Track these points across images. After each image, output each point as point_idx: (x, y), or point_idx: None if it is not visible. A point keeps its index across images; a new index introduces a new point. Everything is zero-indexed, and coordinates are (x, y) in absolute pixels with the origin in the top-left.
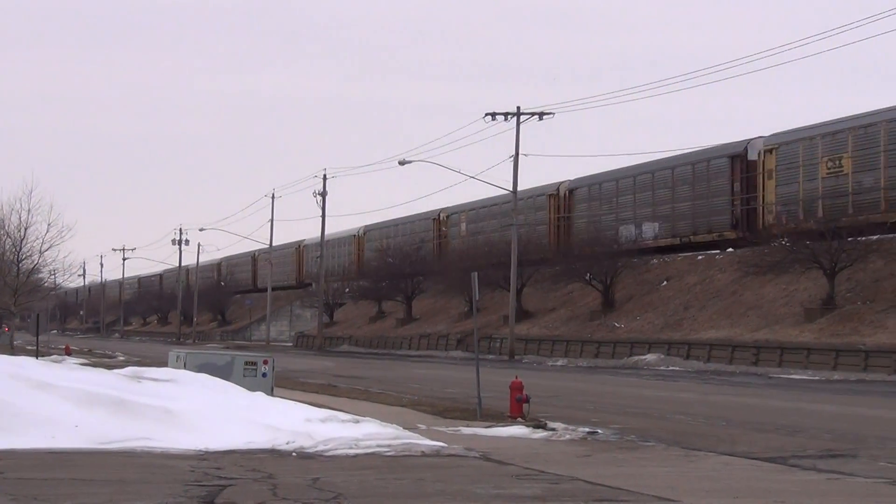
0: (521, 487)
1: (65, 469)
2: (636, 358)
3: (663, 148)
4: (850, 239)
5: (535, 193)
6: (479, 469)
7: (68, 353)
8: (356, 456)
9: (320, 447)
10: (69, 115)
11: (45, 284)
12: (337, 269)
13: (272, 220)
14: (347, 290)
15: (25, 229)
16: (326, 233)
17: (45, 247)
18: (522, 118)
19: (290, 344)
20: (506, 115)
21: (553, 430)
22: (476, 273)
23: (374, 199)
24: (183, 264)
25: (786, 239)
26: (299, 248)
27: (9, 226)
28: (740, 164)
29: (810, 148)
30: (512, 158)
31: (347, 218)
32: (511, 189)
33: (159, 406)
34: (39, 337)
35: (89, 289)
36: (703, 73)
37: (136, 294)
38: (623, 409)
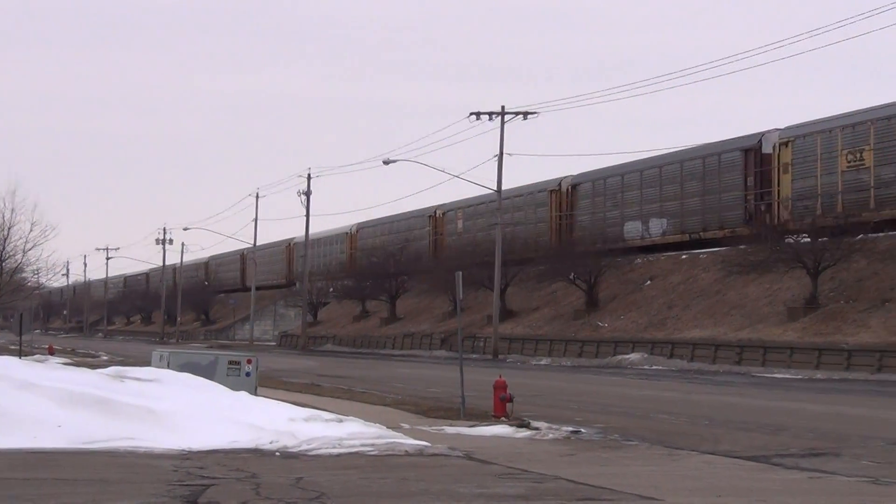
0: (504, 486)
1: (47, 469)
2: (620, 357)
3: (654, 147)
4: (833, 238)
5: (536, 189)
6: (462, 468)
7: (51, 352)
8: (340, 455)
9: (304, 446)
10: (53, 114)
11: (29, 284)
12: (329, 268)
13: (256, 220)
14: (332, 289)
15: (9, 229)
16: (318, 231)
17: (28, 246)
18: (507, 118)
19: (274, 343)
20: (490, 114)
21: (536, 429)
22: (460, 273)
23: (365, 197)
24: (171, 263)
25: (799, 236)
26: (289, 247)
27: None
28: (754, 157)
29: (829, 140)
30: (498, 157)
31: (339, 216)
32: (495, 188)
33: (142, 406)
34: (23, 336)
35: (74, 288)
36: (693, 71)
37: (121, 293)
38: (606, 409)
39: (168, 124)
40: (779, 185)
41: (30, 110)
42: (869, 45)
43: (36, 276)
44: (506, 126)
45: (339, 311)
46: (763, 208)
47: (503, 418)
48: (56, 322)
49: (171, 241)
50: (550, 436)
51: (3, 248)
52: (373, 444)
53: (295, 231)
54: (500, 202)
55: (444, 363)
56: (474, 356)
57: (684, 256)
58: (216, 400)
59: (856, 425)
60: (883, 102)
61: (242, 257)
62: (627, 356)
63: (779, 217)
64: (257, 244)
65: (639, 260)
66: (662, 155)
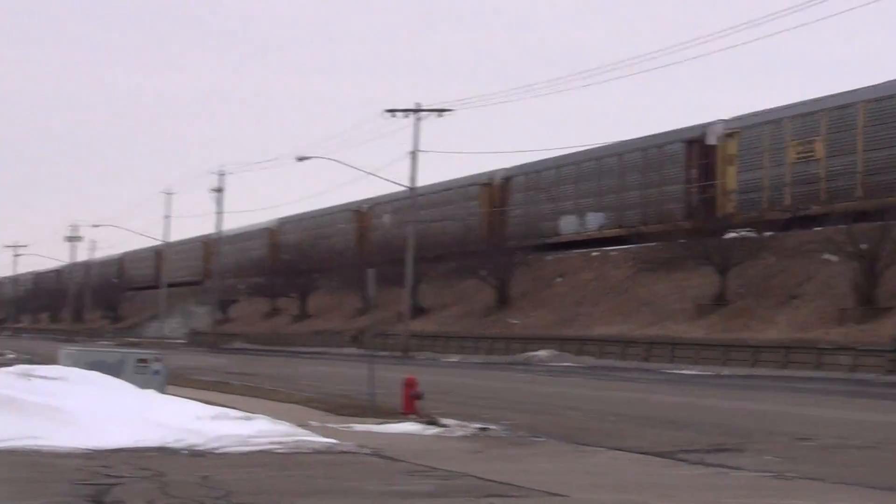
0: (412, 484)
1: None
2: (529, 354)
3: (590, 142)
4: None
5: (467, 183)
6: (370, 466)
7: None
8: (247, 453)
9: (211, 445)
10: None
11: None
12: (249, 264)
13: (167, 216)
14: (242, 286)
15: None
16: (237, 226)
17: None
18: (422, 115)
19: (184, 341)
20: (405, 111)
21: (445, 426)
22: (373, 270)
23: (288, 193)
24: (84, 259)
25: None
26: (206, 243)
27: None
28: (697, 149)
29: (777, 131)
30: (412, 154)
31: (264, 212)
32: (409, 185)
33: (48, 404)
34: None
35: None
36: (608, 68)
37: (30, 291)
38: (515, 406)
39: (78, 121)
40: (723, 178)
41: None
42: (777, 43)
43: None
44: (439, 122)
45: (250, 309)
46: (705, 201)
47: (412, 416)
48: None
49: (80, 238)
50: (459, 433)
51: None
52: (281, 442)
53: (212, 227)
54: (414, 199)
55: (355, 361)
56: (384, 354)
57: (595, 254)
58: (123, 398)
59: (761, 421)
60: (836, 92)
61: (158, 254)
62: (537, 353)
63: (723, 210)
64: (174, 240)
65: (550, 257)
66: (601, 147)
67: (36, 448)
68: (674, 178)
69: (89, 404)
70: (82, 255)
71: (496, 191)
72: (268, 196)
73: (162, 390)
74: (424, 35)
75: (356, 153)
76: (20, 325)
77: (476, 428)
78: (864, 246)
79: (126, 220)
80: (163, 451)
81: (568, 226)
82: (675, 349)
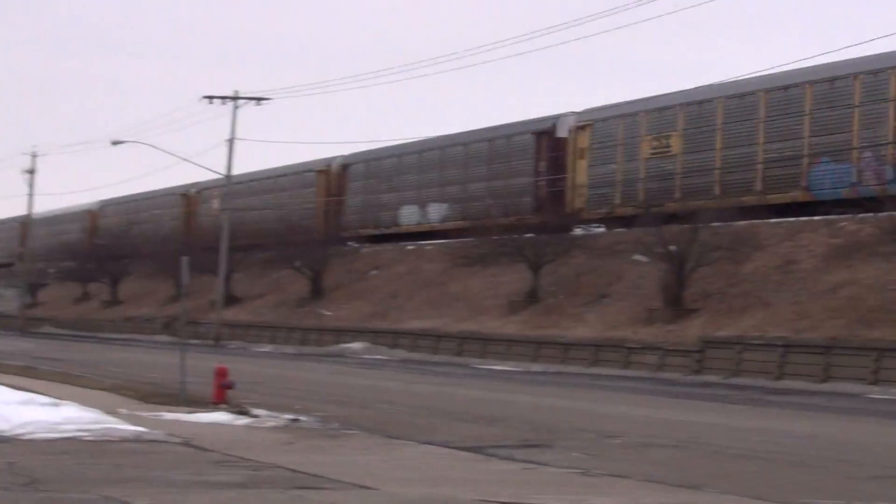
0: (221, 474)
1: None
2: (342, 346)
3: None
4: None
5: (303, 169)
6: (179, 455)
7: None
8: (55, 440)
9: (17, 431)
10: None
11: None
12: (66, 247)
13: None
14: (52, 270)
15: None
16: (55, 207)
17: None
18: (240, 102)
19: None
20: (223, 98)
21: (256, 416)
22: (187, 258)
23: (112, 175)
24: None
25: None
26: (25, 224)
27: None
28: (547, 141)
29: (632, 125)
30: (229, 142)
31: (85, 194)
32: (226, 173)
33: None
34: None
35: None
36: (438, 61)
37: None
38: (327, 397)
39: None
40: (574, 171)
41: None
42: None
43: None
44: (272, 108)
45: (61, 293)
46: (554, 195)
47: (223, 405)
48: None
49: None
50: (270, 423)
51: None
52: (89, 430)
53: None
54: (229, 187)
55: (166, 348)
56: (196, 342)
57: (410, 247)
58: None
59: (569, 417)
60: (693, 86)
61: None
62: (350, 345)
63: (572, 204)
64: None
65: (365, 249)
66: (445, 136)
67: None
68: (522, 170)
69: None
70: None
71: (334, 178)
72: (87, 179)
73: None
74: (259, 23)
75: (182, 137)
76: None
77: (287, 419)
78: (673, 248)
79: None
80: None
81: (409, 216)
82: (487, 345)
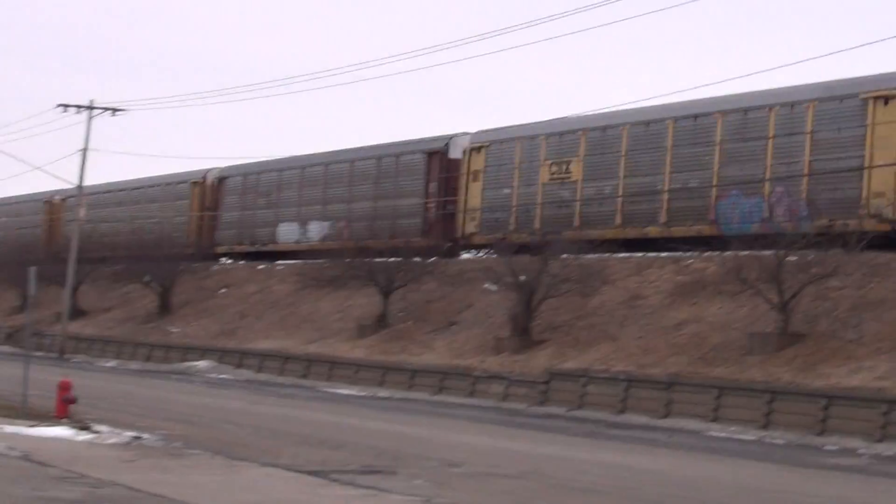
0: (60, 490)
1: None
2: (188, 364)
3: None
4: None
5: (176, 181)
6: (18, 469)
7: None
8: None
9: None
10: None
11: None
12: None
13: None
14: None
15: None
16: None
17: None
18: (95, 112)
19: None
20: (78, 107)
21: (98, 432)
22: (34, 268)
23: None
24: None
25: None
26: None
27: None
28: (440, 161)
29: (531, 148)
30: (83, 152)
31: None
32: (77, 183)
33: None
34: None
35: None
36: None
37: None
38: (171, 416)
39: None
40: (467, 194)
41: None
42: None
43: None
44: (139, 118)
45: None
46: (445, 218)
47: (65, 420)
48: None
49: None
50: (112, 440)
51: None
52: None
53: None
54: (80, 198)
55: (8, 359)
56: (40, 354)
57: (261, 266)
58: None
59: (413, 444)
60: (597, 111)
61: None
62: (196, 363)
63: (463, 229)
64: None
65: (216, 267)
66: (330, 152)
67: None
68: (411, 191)
69: None
70: None
71: (209, 191)
72: None
73: None
74: (124, 31)
75: (41, 144)
76: None
77: (129, 436)
78: (522, 277)
79: None
80: None
81: (288, 234)
82: (335, 368)
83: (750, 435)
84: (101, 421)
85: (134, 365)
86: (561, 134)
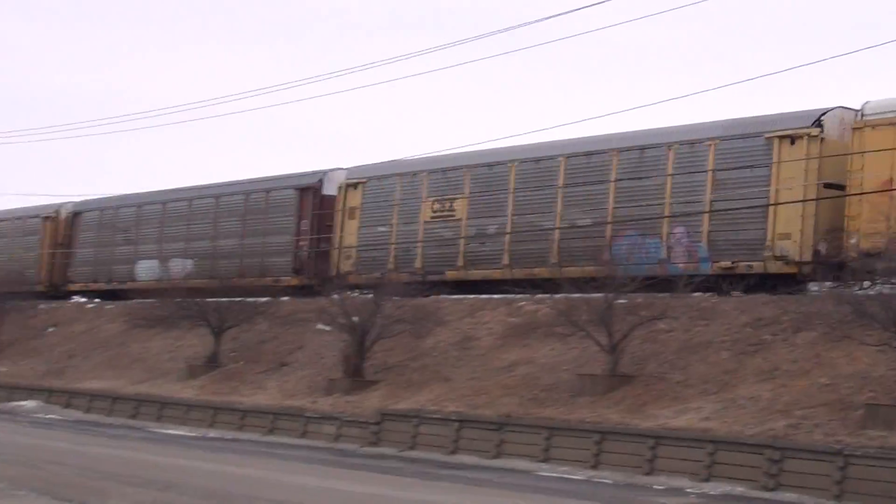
0: None
1: None
2: (14, 404)
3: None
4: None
5: (27, 215)
6: None
7: None
8: None
9: None
10: None
11: None
12: None
13: None
14: None
15: None
16: None
17: None
18: None
19: None
20: None
21: None
22: None
23: None
24: None
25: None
26: None
27: None
28: (312, 198)
29: (413, 185)
30: None
31: None
32: None
33: None
34: None
35: None
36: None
37: None
38: None
39: None
40: (342, 232)
41: None
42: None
43: None
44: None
45: None
46: (319, 256)
47: None
48: None
49: None
50: None
51: None
52: None
53: None
54: None
55: None
56: None
57: (90, 305)
58: None
59: (244, 485)
60: (484, 148)
61: None
62: (22, 403)
63: (338, 268)
64: None
65: (43, 305)
66: (195, 187)
67: None
68: (282, 228)
69: None
70: None
71: (63, 226)
72: None
73: None
74: None
75: None
76: None
77: None
78: (356, 319)
79: None
80: None
81: (148, 272)
82: (164, 408)
83: (579, 475)
84: None
85: None
86: (445, 170)
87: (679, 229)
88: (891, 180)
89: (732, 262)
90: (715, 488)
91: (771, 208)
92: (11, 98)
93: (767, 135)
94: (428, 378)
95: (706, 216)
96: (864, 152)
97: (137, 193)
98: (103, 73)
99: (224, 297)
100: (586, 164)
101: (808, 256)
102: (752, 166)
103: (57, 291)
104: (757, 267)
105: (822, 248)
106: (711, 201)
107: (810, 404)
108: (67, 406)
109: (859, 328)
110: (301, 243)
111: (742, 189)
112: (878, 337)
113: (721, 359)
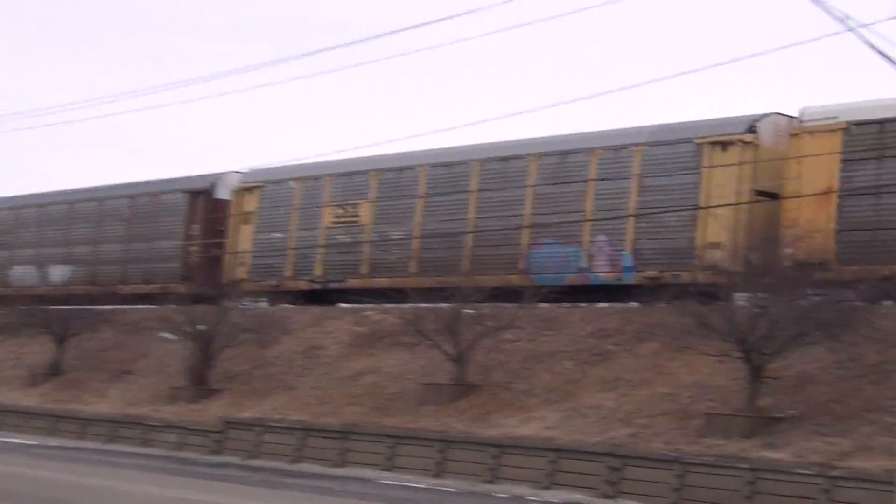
0: None
1: None
2: None
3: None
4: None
5: None
6: None
7: None
8: None
9: None
10: None
11: None
12: None
13: None
14: None
15: None
16: None
17: None
18: None
19: None
20: None
21: None
22: None
23: None
24: None
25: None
26: None
27: None
28: (204, 202)
29: (314, 190)
30: None
31: None
32: None
33: None
34: None
35: None
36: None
37: None
38: None
39: None
40: (236, 238)
41: None
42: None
43: None
44: None
45: None
46: (210, 262)
47: None
48: None
49: None
50: None
51: None
52: None
53: None
54: None
55: None
56: None
57: None
58: None
59: (84, 494)
60: (391, 152)
61: None
62: None
63: (231, 274)
64: None
65: None
66: (77, 189)
67: None
68: (170, 233)
69: None
70: None
71: None
72: None
73: None
74: None
75: None
76: None
77: None
78: (201, 327)
79: None
80: None
81: (23, 278)
82: (5, 416)
83: (423, 483)
84: None
85: None
86: (349, 174)
87: (601, 237)
88: (829, 188)
89: (659, 272)
90: (556, 496)
91: (701, 217)
92: None
93: (698, 140)
94: (273, 387)
95: (630, 224)
96: (801, 157)
97: (13, 196)
98: None
99: (107, 304)
100: (502, 168)
101: (739, 266)
102: (680, 173)
103: None
104: (684, 277)
105: (754, 257)
106: (637, 209)
107: (651, 413)
108: None
109: (700, 339)
110: (191, 249)
111: (669, 196)
112: (718, 347)
113: (565, 368)
